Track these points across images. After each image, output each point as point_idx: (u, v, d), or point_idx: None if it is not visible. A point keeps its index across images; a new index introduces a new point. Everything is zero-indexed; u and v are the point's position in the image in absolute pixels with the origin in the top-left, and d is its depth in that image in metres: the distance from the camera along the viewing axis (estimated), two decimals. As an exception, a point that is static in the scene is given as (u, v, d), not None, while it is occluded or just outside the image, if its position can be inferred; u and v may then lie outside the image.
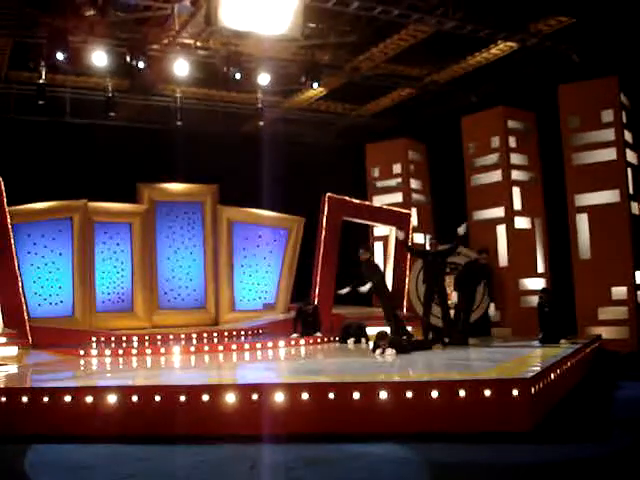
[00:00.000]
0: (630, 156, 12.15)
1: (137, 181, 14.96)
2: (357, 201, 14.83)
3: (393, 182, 16.20)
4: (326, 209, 14.04)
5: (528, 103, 13.47)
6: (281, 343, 11.24)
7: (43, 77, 13.52)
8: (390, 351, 8.87)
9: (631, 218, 11.78)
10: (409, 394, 6.06)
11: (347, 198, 14.58)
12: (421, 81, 15.43)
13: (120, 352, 10.57)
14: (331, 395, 6.12)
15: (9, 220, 11.96)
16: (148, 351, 10.71)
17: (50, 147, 14.99)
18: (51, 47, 11.75)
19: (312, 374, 7.51)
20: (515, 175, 13.14)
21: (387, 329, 10.92)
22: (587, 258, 12.01)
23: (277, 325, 13.89)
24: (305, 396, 6.12)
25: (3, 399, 6.40)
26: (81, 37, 12.26)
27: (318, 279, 13.76)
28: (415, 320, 12.82)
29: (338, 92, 16.07)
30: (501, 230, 13.02)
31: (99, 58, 12.56)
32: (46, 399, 6.32)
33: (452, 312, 10.81)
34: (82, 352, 10.39)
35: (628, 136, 12.17)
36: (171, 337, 12.45)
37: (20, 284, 11.97)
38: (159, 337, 12.38)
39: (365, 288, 11.17)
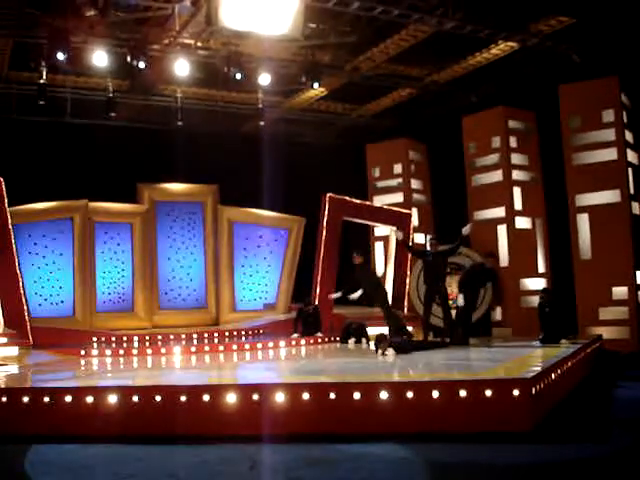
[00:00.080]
0: (631, 156, 12.15)
1: (138, 181, 14.96)
2: (357, 201, 14.84)
3: (394, 182, 16.20)
4: (326, 209, 14.05)
5: (529, 103, 13.47)
6: (282, 343, 11.24)
7: (44, 77, 13.52)
8: (390, 351, 8.86)
9: (632, 218, 11.78)
10: (409, 394, 6.06)
11: (347, 198, 14.59)
12: (421, 81, 15.43)
13: (121, 352, 10.58)
14: (332, 395, 6.12)
15: (10, 220, 11.97)
16: (149, 351, 10.72)
17: (51, 147, 15.00)
18: (51, 47, 11.75)
19: (313, 374, 7.51)
20: (516, 175, 13.14)
21: (386, 330, 10.96)
22: (588, 258, 12.00)
23: (278, 325, 13.90)
24: (306, 396, 6.12)
25: (4, 399, 6.39)
26: (81, 37, 12.27)
27: (319, 279, 13.77)
28: (416, 320, 12.82)
29: (338, 92, 16.07)
30: (502, 230, 13.02)
31: (99, 58, 12.57)
32: (46, 399, 6.32)
33: (453, 312, 10.82)
34: (83, 352, 10.39)
35: (629, 136, 12.17)
36: (172, 337, 12.47)
37: (21, 284, 11.97)
38: (160, 337, 12.40)
39: (355, 295, 11.11)
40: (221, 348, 10.84)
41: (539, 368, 6.86)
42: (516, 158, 13.20)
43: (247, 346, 10.99)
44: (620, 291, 11.62)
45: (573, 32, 12.44)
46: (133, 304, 14.63)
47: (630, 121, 12.22)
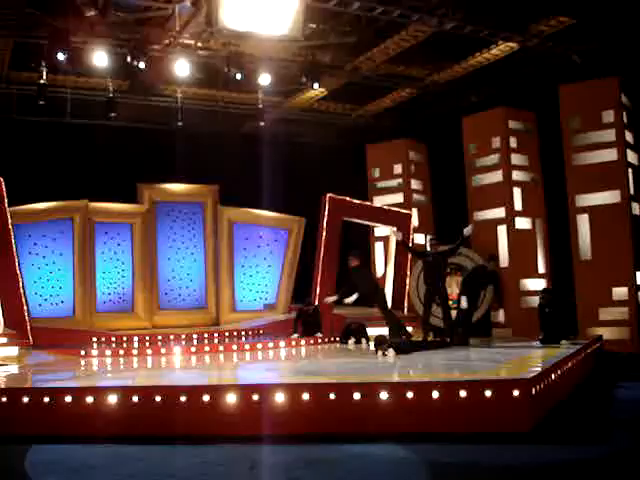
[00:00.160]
0: (631, 157, 12.15)
1: (138, 181, 14.95)
2: (358, 201, 14.85)
3: (394, 182, 16.20)
4: (327, 209, 14.05)
5: (529, 103, 13.47)
6: (282, 343, 11.23)
7: (44, 77, 13.52)
8: (390, 352, 8.86)
9: (632, 219, 11.78)
10: (409, 394, 6.06)
11: (347, 198, 14.59)
12: (422, 81, 15.43)
13: (121, 352, 10.57)
14: (332, 395, 6.12)
15: (10, 220, 11.98)
16: (149, 351, 10.71)
17: (51, 147, 14.99)
18: (52, 47, 11.76)
19: (313, 374, 7.51)
20: (516, 175, 13.14)
21: (386, 330, 10.95)
22: (588, 259, 12.00)
23: (278, 325, 13.90)
24: (306, 396, 6.12)
25: (4, 399, 6.39)
26: (82, 37, 12.28)
27: (319, 279, 13.77)
28: (416, 321, 12.82)
29: (339, 92, 16.07)
30: (502, 230, 13.02)
31: (100, 58, 12.57)
32: (47, 399, 6.32)
33: (453, 313, 10.81)
34: (83, 352, 10.38)
35: (629, 136, 12.17)
36: (172, 337, 12.47)
37: (21, 284, 11.97)
38: (160, 337, 12.40)
39: (351, 299, 11.04)
40: (221, 348, 10.83)
41: (539, 369, 6.86)
42: (516, 158, 13.20)
43: (247, 346, 10.99)
44: (620, 292, 11.62)
45: (573, 32, 12.44)
46: (133, 304, 14.63)
47: (630, 121, 12.22)
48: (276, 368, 8.86)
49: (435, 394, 6.03)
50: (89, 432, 6.19)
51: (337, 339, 11.77)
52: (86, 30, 12.04)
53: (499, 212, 13.10)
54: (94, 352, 10.63)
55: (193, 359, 9.79)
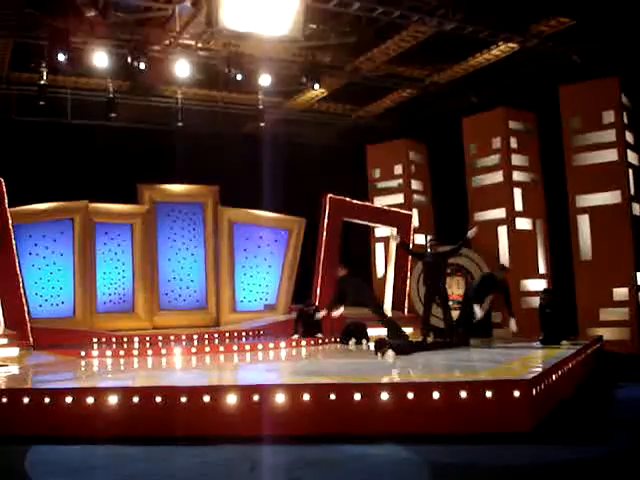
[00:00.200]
0: (631, 157, 12.15)
1: (138, 182, 14.97)
2: (358, 202, 14.84)
3: (394, 183, 16.21)
4: (327, 210, 14.05)
5: (529, 104, 13.48)
6: (282, 344, 11.23)
7: (44, 78, 13.54)
8: (390, 352, 8.86)
9: (632, 219, 11.79)
10: (410, 395, 6.05)
11: (348, 199, 14.58)
12: (422, 82, 15.43)
13: (121, 353, 10.58)
14: (332, 396, 6.11)
15: (10, 221, 11.97)
16: (149, 352, 10.71)
17: (51, 148, 14.98)
18: (52, 48, 11.76)
19: (313, 375, 7.50)
20: (516, 176, 13.15)
21: (385, 332, 10.95)
22: (588, 259, 12.01)
23: (278, 326, 13.89)
24: (306, 397, 6.11)
25: (4, 400, 6.39)
26: (82, 38, 12.27)
27: (319, 280, 13.76)
28: (416, 321, 12.80)
29: (339, 93, 16.07)
30: (502, 231, 13.03)
31: (100, 59, 12.57)
32: (47, 400, 6.31)
33: (453, 313, 10.81)
34: (83, 353, 10.39)
35: (629, 137, 12.18)
36: (172, 338, 12.46)
37: (21, 285, 11.97)
38: (160, 338, 12.39)
39: (337, 313, 10.98)
40: (221, 349, 10.84)
41: (539, 369, 6.86)
42: (516, 159, 13.21)
43: (247, 347, 10.99)
44: (620, 292, 11.62)
45: (573, 33, 12.43)
46: (133, 305, 14.64)
47: (630, 122, 12.22)
48: (276, 369, 8.86)
49: (436, 395, 6.02)
50: (89, 433, 6.18)
51: (337, 340, 11.77)
52: (86, 30, 12.04)
53: (499, 213, 13.11)
54: (94, 353, 10.64)
55: (193, 360, 9.79)
